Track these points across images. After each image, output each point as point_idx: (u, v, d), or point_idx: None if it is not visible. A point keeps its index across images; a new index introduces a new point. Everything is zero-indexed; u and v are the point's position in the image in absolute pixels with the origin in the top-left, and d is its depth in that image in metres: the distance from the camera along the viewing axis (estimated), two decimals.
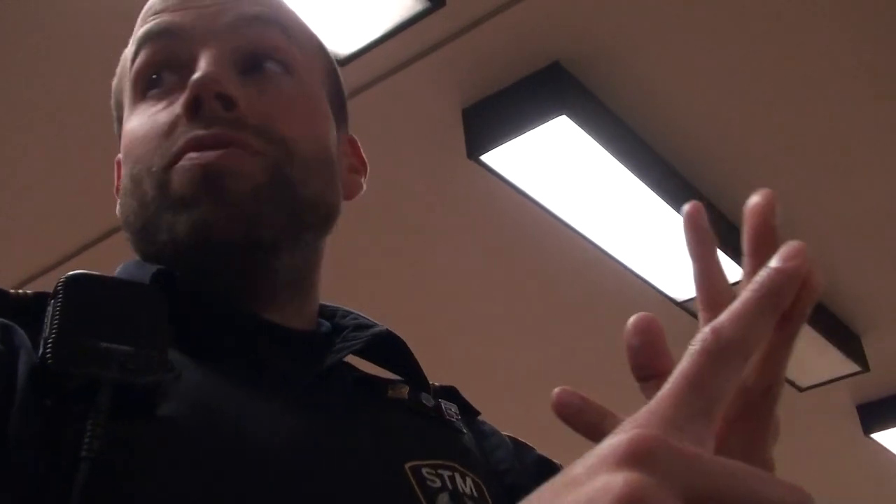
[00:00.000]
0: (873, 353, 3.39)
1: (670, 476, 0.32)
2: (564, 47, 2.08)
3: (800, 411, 3.67)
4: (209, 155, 0.62)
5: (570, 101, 2.10)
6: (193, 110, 0.63)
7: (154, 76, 0.67)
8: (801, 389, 3.48)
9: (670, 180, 2.43)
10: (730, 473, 0.33)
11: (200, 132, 0.63)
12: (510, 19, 1.99)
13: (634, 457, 0.32)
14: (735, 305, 0.38)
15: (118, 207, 0.71)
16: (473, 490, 0.63)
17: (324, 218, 0.68)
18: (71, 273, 0.55)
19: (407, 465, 0.60)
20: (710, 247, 0.47)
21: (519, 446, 0.76)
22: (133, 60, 0.69)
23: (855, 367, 3.35)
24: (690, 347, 0.36)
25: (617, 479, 0.31)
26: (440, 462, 0.63)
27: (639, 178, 2.30)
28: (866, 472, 4.35)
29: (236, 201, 0.62)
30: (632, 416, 0.36)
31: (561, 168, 2.26)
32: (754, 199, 0.45)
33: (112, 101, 0.76)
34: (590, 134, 2.15)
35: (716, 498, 0.32)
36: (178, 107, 0.65)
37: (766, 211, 0.45)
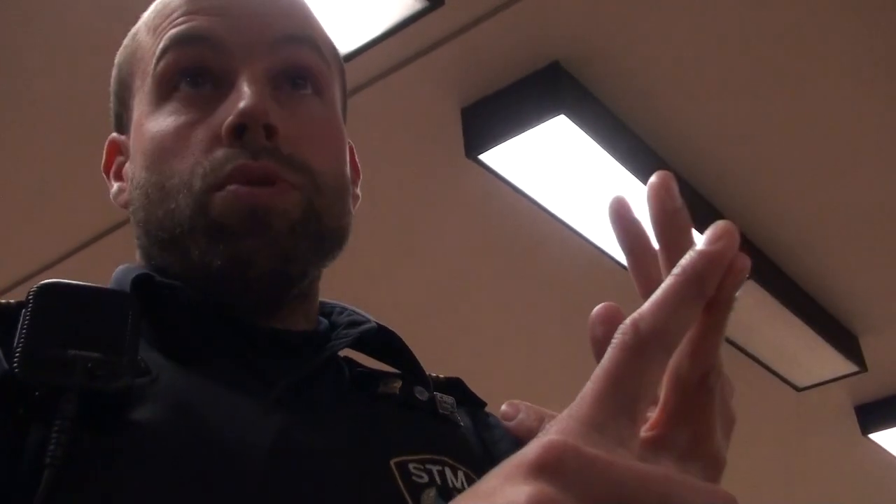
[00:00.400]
0: (871, 354, 3.39)
1: (579, 485, 0.31)
2: (563, 47, 2.08)
3: (798, 411, 3.67)
4: (259, 192, 0.63)
5: (568, 100, 2.10)
6: (236, 136, 0.64)
7: (184, 80, 0.67)
8: (798, 389, 3.48)
9: None
10: (644, 480, 0.32)
11: (248, 162, 0.63)
12: (509, 19, 1.99)
13: (542, 467, 0.32)
14: (656, 295, 0.37)
15: (124, 196, 0.71)
16: (465, 484, 0.62)
17: (340, 243, 0.69)
18: (42, 283, 0.56)
19: (392, 461, 0.60)
20: (642, 239, 0.46)
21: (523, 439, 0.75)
22: (159, 58, 0.68)
23: (853, 368, 3.35)
24: (613, 340, 0.36)
25: (522, 492, 0.31)
26: (429, 456, 0.62)
27: (637, 177, 2.29)
28: (864, 473, 4.35)
29: (276, 238, 0.63)
30: (552, 421, 0.35)
31: (559, 167, 2.26)
32: (650, 181, 0.42)
33: (115, 77, 0.75)
34: (588, 134, 2.15)
35: None
36: (215, 124, 0.65)
37: (662, 194, 0.42)
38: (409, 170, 2.40)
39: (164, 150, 0.66)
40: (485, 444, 0.71)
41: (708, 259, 0.37)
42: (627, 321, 0.36)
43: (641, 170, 2.32)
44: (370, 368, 0.71)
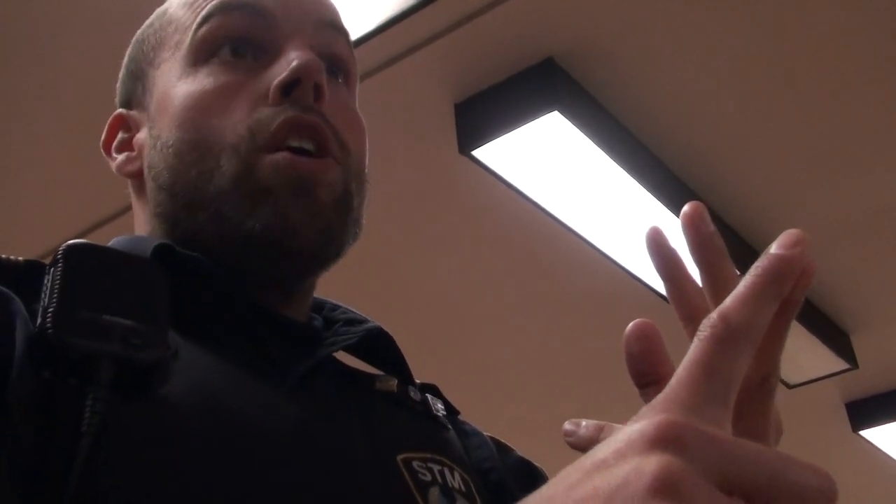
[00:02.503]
0: (862, 351, 3.41)
1: (700, 459, 0.32)
2: (558, 43, 2.08)
3: (789, 408, 3.68)
4: (308, 162, 0.63)
5: (562, 97, 2.10)
6: (286, 92, 0.63)
7: (226, 46, 0.66)
8: (790, 386, 3.49)
9: (662, 177, 2.44)
10: (756, 456, 0.33)
11: (299, 114, 0.63)
12: (503, 15, 1.99)
13: (664, 440, 0.33)
14: (740, 290, 0.38)
15: (134, 164, 0.70)
16: (461, 485, 0.63)
17: (358, 233, 0.70)
18: (72, 242, 0.54)
19: (399, 458, 0.60)
20: (680, 265, 0.48)
21: (500, 446, 0.76)
22: (201, 23, 0.67)
23: (844, 365, 3.36)
24: (700, 333, 0.37)
25: (650, 462, 0.32)
26: (429, 455, 0.63)
27: (630, 174, 2.30)
28: (854, 469, 4.37)
29: (322, 210, 0.63)
30: (650, 402, 0.36)
31: (552, 164, 2.26)
32: (684, 210, 0.46)
33: (133, 52, 0.74)
34: (582, 130, 2.15)
35: (744, 480, 0.33)
36: (260, 86, 0.64)
37: (696, 221, 0.45)
38: (401, 165, 2.40)
39: (202, 109, 0.64)
40: (465, 450, 0.71)
41: (786, 261, 0.39)
42: (714, 315, 0.37)
43: (635, 167, 2.32)
44: (349, 366, 0.71)
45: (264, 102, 0.64)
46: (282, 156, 0.62)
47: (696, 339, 0.37)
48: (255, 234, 0.61)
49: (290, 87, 0.63)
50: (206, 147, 0.63)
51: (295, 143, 0.63)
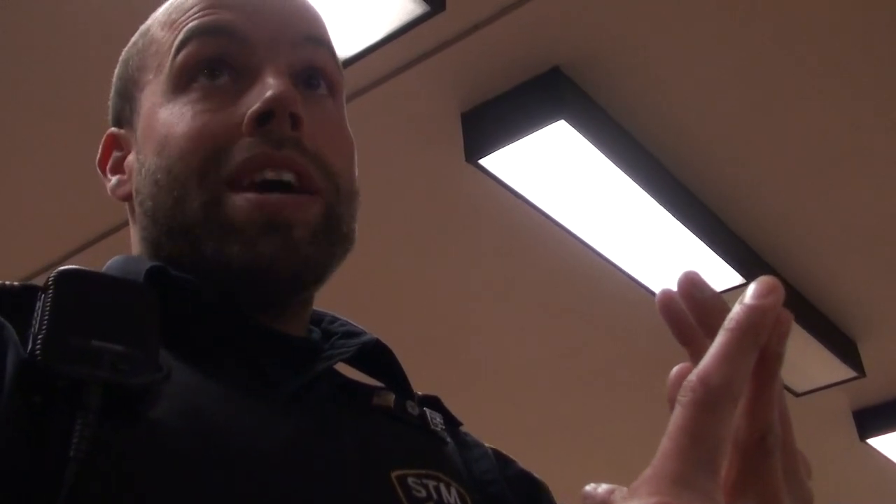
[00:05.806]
0: (869, 359, 3.40)
1: None
2: (564, 52, 2.09)
3: (795, 416, 3.63)
4: (282, 200, 0.62)
5: (568, 106, 2.10)
6: (260, 124, 0.63)
7: (203, 72, 0.66)
8: (797, 395, 3.48)
9: (668, 185, 2.44)
10: None
11: (271, 151, 0.63)
12: (510, 24, 2.00)
13: None
14: (715, 349, 0.38)
15: (125, 188, 0.71)
16: (458, 500, 0.63)
17: (349, 248, 0.69)
18: (63, 268, 0.54)
19: (393, 474, 0.60)
20: (692, 328, 0.45)
21: (501, 459, 0.75)
22: (179, 48, 0.67)
23: (851, 373, 3.35)
24: (681, 399, 0.37)
25: None
26: (425, 471, 0.63)
27: (636, 182, 2.30)
28: (862, 478, 4.35)
29: (297, 245, 0.62)
30: (640, 477, 0.36)
31: (559, 172, 2.26)
32: (679, 279, 0.43)
33: (120, 72, 0.74)
34: (588, 139, 2.15)
35: None
36: (235, 114, 0.64)
37: (691, 289, 0.43)
38: (408, 174, 2.41)
39: (177, 136, 0.65)
40: (465, 463, 0.71)
41: (759, 311, 0.38)
42: (694, 378, 0.37)
43: (641, 175, 2.32)
44: (350, 378, 0.71)
45: (238, 132, 0.63)
46: (246, 197, 0.62)
47: (677, 405, 0.36)
48: (231, 265, 0.62)
49: (264, 118, 0.63)
50: (177, 174, 0.64)
51: (272, 176, 0.63)
